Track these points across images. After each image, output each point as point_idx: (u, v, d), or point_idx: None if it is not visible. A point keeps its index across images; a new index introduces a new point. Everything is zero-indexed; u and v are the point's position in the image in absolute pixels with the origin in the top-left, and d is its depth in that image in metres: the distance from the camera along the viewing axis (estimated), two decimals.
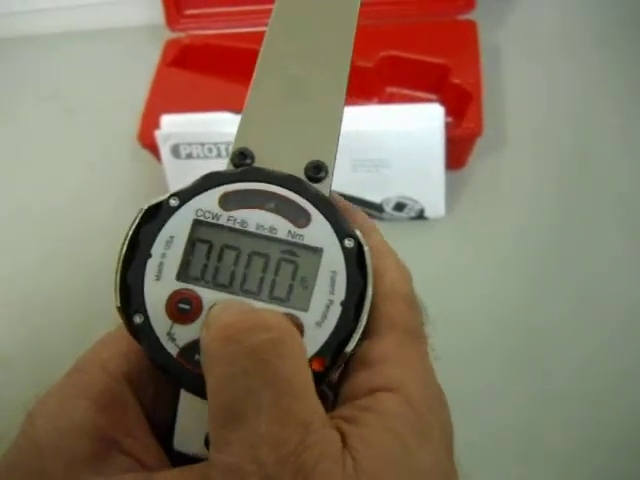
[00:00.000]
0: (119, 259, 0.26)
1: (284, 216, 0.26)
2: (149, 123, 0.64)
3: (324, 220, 0.26)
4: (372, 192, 0.60)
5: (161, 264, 0.26)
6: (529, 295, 0.57)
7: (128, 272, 0.26)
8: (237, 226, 0.26)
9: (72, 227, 0.68)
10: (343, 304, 0.25)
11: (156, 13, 0.76)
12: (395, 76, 0.69)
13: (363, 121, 0.58)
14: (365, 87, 0.69)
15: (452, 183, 0.62)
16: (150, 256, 0.26)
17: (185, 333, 0.25)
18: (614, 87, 0.68)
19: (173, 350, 0.25)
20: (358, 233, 0.26)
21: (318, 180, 0.27)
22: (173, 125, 0.62)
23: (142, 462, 0.25)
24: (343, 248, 0.26)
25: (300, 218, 0.26)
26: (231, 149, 0.28)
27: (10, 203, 0.73)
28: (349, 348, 0.25)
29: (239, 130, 0.28)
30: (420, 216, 0.61)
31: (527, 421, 0.52)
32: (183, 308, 0.25)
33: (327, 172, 0.27)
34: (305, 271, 0.25)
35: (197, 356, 0.24)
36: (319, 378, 0.24)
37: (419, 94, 0.69)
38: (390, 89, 0.70)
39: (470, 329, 0.56)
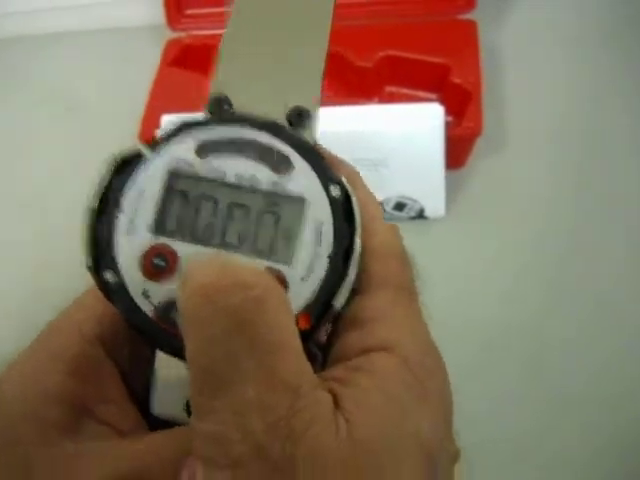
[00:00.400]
0: (88, 214, 0.24)
1: (265, 163, 0.24)
2: (150, 123, 0.65)
3: (308, 167, 0.24)
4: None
5: (133, 218, 0.24)
6: (531, 294, 0.57)
7: (98, 228, 0.24)
8: (215, 175, 0.24)
9: (73, 227, 0.68)
10: (330, 257, 0.24)
11: (157, 13, 0.76)
12: (395, 75, 0.69)
13: (363, 121, 0.58)
14: (365, 87, 0.69)
15: (452, 182, 0.62)
16: (121, 210, 0.24)
17: (161, 291, 0.23)
18: (616, 86, 0.68)
19: (148, 309, 0.23)
20: (345, 181, 0.24)
21: (301, 127, 0.26)
22: (174, 125, 0.62)
23: (118, 428, 0.24)
24: (329, 197, 0.24)
25: (282, 165, 0.24)
26: (208, 96, 0.26)
27: (9, 202, 0.73)
28: (337, 303, 0.23)
29: (215, 75, 0.27)
30: (420, 215, 0.61)
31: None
32: (158, 264, 0.24)
33: (311, 118, 0.26)
34: (288, 222, 0.24)
35: (174, 315, 0.23)
36: (306, 336, 0.22)
37: (419, 93, 0.69)
38: (390, 88, 0.70)
39: (470, 328, 0.56)
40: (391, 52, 0.68)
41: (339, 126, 0.56)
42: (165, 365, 0.25)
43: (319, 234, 0.24)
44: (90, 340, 0.25)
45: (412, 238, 0.59)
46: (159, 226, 0.24)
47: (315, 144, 0.26)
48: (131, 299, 0.23)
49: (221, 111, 0.26)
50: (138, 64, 0.76)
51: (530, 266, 0.59)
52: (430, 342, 0.24)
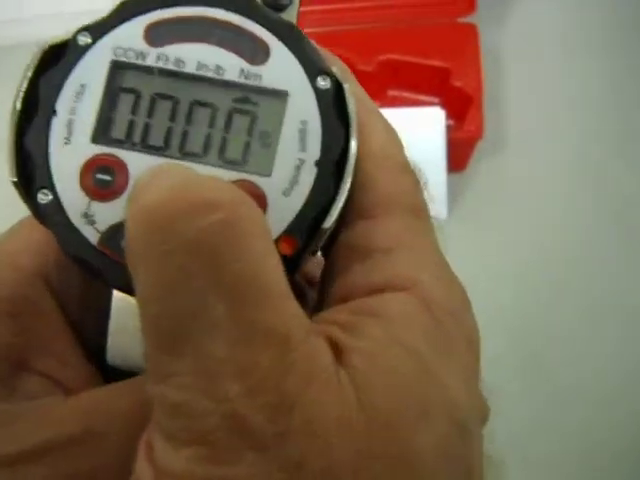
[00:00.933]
0: (12, 120, 0.19)
1: (234, 50, 0.20)
2: None
3: (289, 53, 0.20)
4: None
5: (71, 123, 0.19)
6: (533, 295, 0.58)
7: (26, 136, 0.19)
8: (171, 67, 0.20)
9: None
10: (318, 164, 0.19)
11: None
12: (397, 79, 0.69)
13: None
14: (367, 90, 0.69)
15: (454, 185, 0.63)
16: (55, 113, 0.19)
17: (107, 213, 0.19)
18: (615, 90, 0.68)
19: (92, 236, 0.19)
20: (335, 70, 0.20)
21: (280, 9, 0.21)
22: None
23: (62, 383, 0.20)
24: (315, 89, 0.19)
25: (256, 52, 0.20)
26: None
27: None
28: (328, 223, 0.19)
29: None
30: None
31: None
32: (103, 179, 0.19)
33: (292, 3, 0.21)
34: (265, 123, 0.19)
35: (124, 242, 0.17)
36: (290, 266, 0.18)
37: (421, 97, 0.69)
38: (392, 92, 0.70)
39: None
40: (392, 56, 0.68)
41: None
42: (121, 305, 0.20)
43: (304, 136, 0.19)
44: (28, 276, 0.20)
45: None
46: (103, 133, 0.20)
47: (297, 27, 0.20)
48: (70, 223, 0.19)
49: None
50: None
51: (532, 266, 0.60)
52: (454, 278, 0.19)
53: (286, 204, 0.19)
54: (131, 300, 0.18)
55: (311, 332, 0.16)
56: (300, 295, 0.18)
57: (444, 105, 0.65)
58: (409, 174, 0.20)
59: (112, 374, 0.21)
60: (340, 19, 0.72)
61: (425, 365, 0.16)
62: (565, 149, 0.66)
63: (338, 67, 0.20)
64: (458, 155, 0.62)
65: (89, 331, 0.21)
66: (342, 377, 0.15)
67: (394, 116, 0.58)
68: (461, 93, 0.64)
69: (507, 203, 0.64)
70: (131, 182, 0.19)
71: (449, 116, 0.61)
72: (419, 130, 0.58)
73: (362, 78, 0.70)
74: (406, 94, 0.70)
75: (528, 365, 0.55)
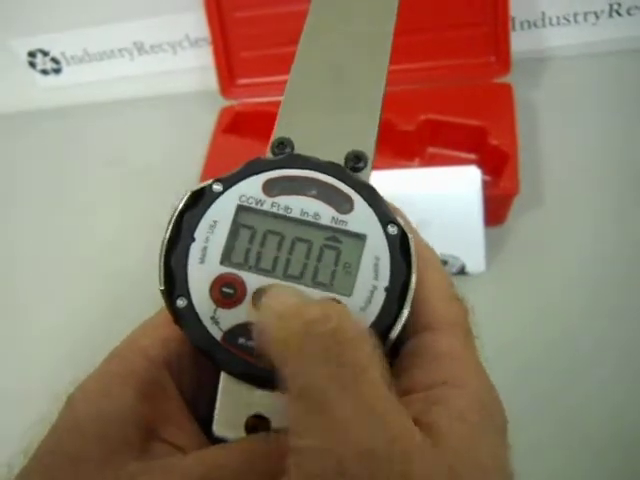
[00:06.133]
0: (163, 242, 0.25)
1: (327, 202, 0.26)
2: None
3: (367, 206, 0.26)
4: None
5: (205, 248, 0.25)
6: (574, 349, 0.58)
7: (172, 256, 0.25)
8: (281, 212, 0.26)
9: (139, 289, 0.72)
10: (387, 289, 0.25)
11: (210, 81, 0.82)
12: (435, 138, 0.72)
13: (404, 185, 0.62)
14: (407, 149, 0.73)
15: (492, 239, 0.64)
16: (194, 240, 0.25)
17: (229, 317, 0.25)
18: None
19: (217, 334, 0.25)
20: (401, 220, 0.26)
21: (358, 170, 0.27)
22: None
23: (182, 448, 0.25)
24: (386, 234, 0.25)
25: (343, 204, 0.26)
26: (271, 139, 0.28)
27: (75, 261, 0.78)
28: (394, 334, 0.24)
29: (279, 119, 0.28)
30: (462, 272, 0.64)
31: None
32: (227, 292, 0.25)
33: (367, 162, 0.27)
34: (348, 257, 0.25)
35: (241, 340, 0.24)
36: None
37: (459, 154, 0.72)
38: (431, 150, 0.73)
39: (513, 380, 0.57)
40: (431, 116, 0.71)
41: (384, 190, 0.59)
42: (228, 387, 0.25)
43: (377, 269, 0.25)
44: (157, 365, 0.25)
45: None
46: (228, 257, 0.25)
47: (372, 186, 0.27)
48: (201, 323, 0.25)
49: (283, 152, 0.27)
50: (193, 129, 0.82)
51: (571, 321, 0.60)
52: (492, 384, 0.25)
53: (362, 318, 0.24)
54: (235, 383, 0.25)
55: (402, 412, 0.21)
56: None
57: (481, 162, 0.68)
58: (460, 302, 0.27)
59: (217, 443, 0.26)
60: None
61: (485, 437, 0.22)
62: (601, 203, 0.67)
63: (401, 216, 0.26)
64: (496, 210, 0.65)
65: (200, 409, 0.26)
66: (427, 445, 0.21)
67: (433, 175, 0.62)
68: (497, 151, 0.66)
69: (544, 256, 0.65)
70: (248, 295, 0.25)
71: (486, 173, 0.63)
72: (457, 189, 0.61)
73: (403, 137, 0.74)
74: (445, 152, 0.73)
75: (572, 415, 0.55)
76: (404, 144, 0.72)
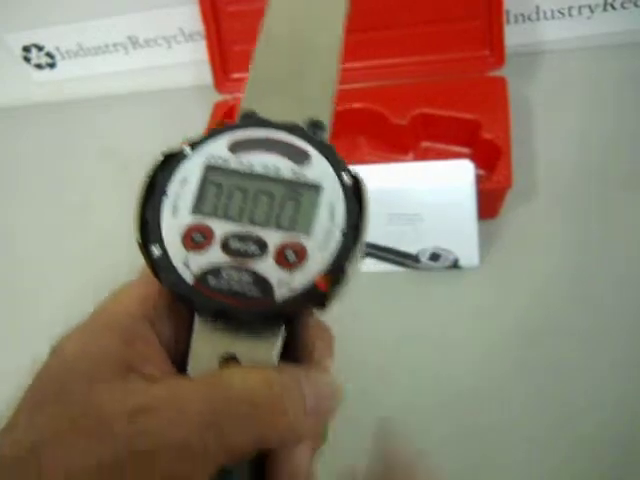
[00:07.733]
0: (139, 198, 0.28)
1: (287, 157, 0.29)
2: None
3: (323, 159, 0.29)
4: (408, 244, 0.64)
5: (176, 202, 0.28)
6: (564, 342, 0.59)
7: (147, 209, 0.28)
8: (245, 168, 0.28)
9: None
10: (342, 230, 0.27)
11: (204, 75, 0.82)
12: (429, 132, 0.72)
13: (398, 179, 0.61)
14: (401, 143, 0.73)
15: (485, 232, 0.65)
16: (166, 195, 0.28)
17: (200, 260, 0.27)
18: None
19: (190, 278, 0.27)
20: (354, 170, 0.29)
21: (318, 132, 0.30)
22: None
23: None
24: (341, 182, 0.28)
25: (301, 158, 0.29)
26: (238, 112, 0.31)
27: (70, 255, 0.78)
28: (349, 269, 0.27)
29: (244, 95, 0.32)
30: (455, 265, 0.64)
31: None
32: (197, 239, 0.27)
33: (324, 128, 0.31)
34: (307, 204, 0.28)
35: (212, 281, 0.27)
36: (324, 300, 0.27)
37: (452, 148, 0.72)
38: (425, 144, 0.73)
39: (505, 374, 0.58)
40: (425, 109, 0.71)
41: (377, 184, 0.60)
42: (201, 328, 0.28)
43: (333, 213, 0.28)
44: (137, 319, 0.28)
45: (447, 286, 0.63)
46: (198, 208, 0.28)
47: (328, 143, 0.30)
48: (175, 269, 0.27)
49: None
50: (188, 124, 0.81)
51: (562, 313, 0.61)
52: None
53: (321, 255, 0.27)
54: (208, 323, 0.28)
55: None
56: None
57: (474, 156, 0.68)
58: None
59: None
60: (376, 75, 0.76)
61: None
62: (593, 197, 0.67)
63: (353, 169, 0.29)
64: (489, 204, 0.65)
65: (178, 357, 0.29)
66: None
67: (427, 169, 0.62)
68: (491, 145, 0.66)
69: (538, 249, 0.65)
70: (216, 239, 0.27)
71: (479, 166, 0.63)
72: (450, 183, 0.61)
73: (397, 131, 0.74)
74: (438, 146, 0.73)
75: (564, 409, 0.55)
76: (398, 138, 0.72)
